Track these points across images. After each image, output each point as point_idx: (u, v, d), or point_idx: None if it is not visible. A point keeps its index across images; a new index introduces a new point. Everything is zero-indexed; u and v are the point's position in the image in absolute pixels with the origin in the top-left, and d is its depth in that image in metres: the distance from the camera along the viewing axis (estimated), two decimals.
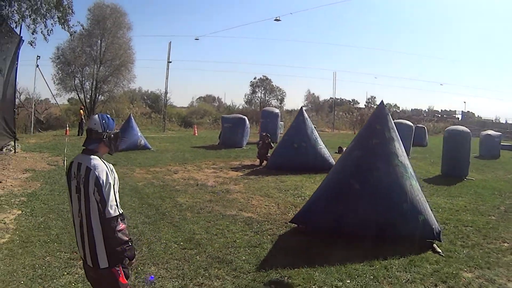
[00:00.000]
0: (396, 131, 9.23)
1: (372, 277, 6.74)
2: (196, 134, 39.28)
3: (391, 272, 6.97)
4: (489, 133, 33.13)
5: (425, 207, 8.62)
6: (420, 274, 6.98)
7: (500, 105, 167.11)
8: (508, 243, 9.16)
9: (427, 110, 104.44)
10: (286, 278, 6.58)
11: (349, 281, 6.56)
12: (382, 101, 9.60)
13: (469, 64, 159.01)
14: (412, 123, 30.86)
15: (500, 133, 35.10)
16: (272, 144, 20.12)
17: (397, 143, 8.96)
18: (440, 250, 8.16)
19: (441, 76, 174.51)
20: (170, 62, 48.64)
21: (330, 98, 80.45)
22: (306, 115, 18.68)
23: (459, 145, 18.87)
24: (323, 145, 18.50)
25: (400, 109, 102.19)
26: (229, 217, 9.96)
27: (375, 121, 9.27)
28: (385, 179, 8.55)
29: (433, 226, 8.51)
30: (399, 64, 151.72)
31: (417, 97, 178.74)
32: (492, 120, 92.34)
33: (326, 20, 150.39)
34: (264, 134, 21.04)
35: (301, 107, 19.97)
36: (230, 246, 7.97)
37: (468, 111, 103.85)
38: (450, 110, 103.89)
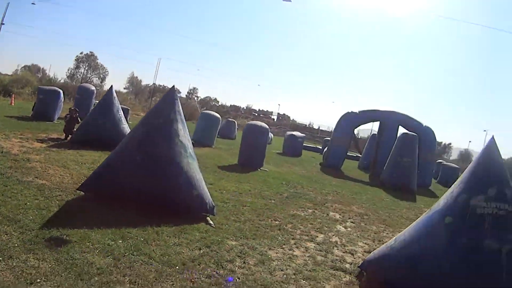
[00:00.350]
0: (182, 114, 9.83)
1: (142, 239, 7.18)
2: (13, 104, 37.52)
3: (161, 237, 7.48)
4: (293, 133, 35.77)
5: (200, 184, 9.25)
6: (188, 240, 7.59)
7: (315, 111, 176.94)
8: (278, 221, 10.24)
9: (245, 108, 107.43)
10: (65, 236, 6.98)
11: (121, 241, 6.96)
12: (173, 86, 10.18)
13: (287, 68, 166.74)
14: (227, 117, 32.23)
15: (303, 135, 38.17)
16: (79, 119, 19.95)
17: (181, 124, 9.56)
18: (212, 223, 8.87)
19: (260, 77, 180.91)
20: (3, 24, 46.29)
21: (153, 84, 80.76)
22: (115, 94, 18.56)
23: (256, 139, 20.04)
24: (127, 124, 18.72)
25: (220, 103, 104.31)
26: (25, 183, 10.05)
27: (163, 103, 9.86)
28: (164, 155, 9.06)
29: (207, 201, 9.22)
30: (222, 60, 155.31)
31: (237, 94, 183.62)
32: (306, 125, 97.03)
33: (157, 4, 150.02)
34: (72, 108, 20.45)
35: (111, 86, 19.61)
36: (21, 207, 8.02)
37: (284, 114, 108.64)
38: (267, 110, 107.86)
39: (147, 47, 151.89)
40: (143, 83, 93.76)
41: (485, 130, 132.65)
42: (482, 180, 6.57)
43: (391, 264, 7.06)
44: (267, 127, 21.25)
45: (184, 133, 9.59)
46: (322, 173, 24.50)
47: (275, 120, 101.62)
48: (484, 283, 5.87)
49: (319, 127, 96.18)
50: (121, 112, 18.36)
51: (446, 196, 6.95)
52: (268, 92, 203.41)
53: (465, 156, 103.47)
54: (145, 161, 8.96)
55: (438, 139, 37.90)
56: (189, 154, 9.42)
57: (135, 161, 8.97)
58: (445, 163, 42.61)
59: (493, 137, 7.04)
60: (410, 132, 24.92)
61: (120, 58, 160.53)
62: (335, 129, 31.87)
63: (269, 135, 45.54)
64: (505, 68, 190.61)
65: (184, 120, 9.85)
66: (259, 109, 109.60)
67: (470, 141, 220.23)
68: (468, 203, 6.37)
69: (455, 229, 6.36)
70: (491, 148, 6.90)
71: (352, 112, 30.71)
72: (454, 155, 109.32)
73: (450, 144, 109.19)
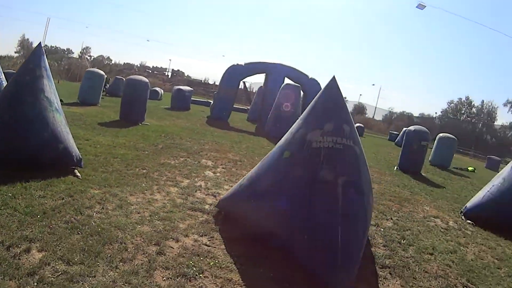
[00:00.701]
0: (49, 70, 9.75)
1: (10, 194, 7.14)
2: None
3: (28, 191, 7.47)
4: (181, 88, 36.21)
5: (66, 137, 9.21)
6: (53, 192, 7.66)
7: (209, 67, 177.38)
8: (146, 170, 10.46)
9: (139, 65, 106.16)
10: None
11: None
12: (39, 43, 10.04)
13: (178, 23, 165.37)
14: (118, 75, 31.77)
15: (191, 89, 38.71)
16: None
17: (47, 80, 9.44)
18: (79, 175, 8.95)
19: (149, 32, 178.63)
20: None
21: (45, 45, 78.05)
22: None
23: (136, 93, 19.99)
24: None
25: (113, 62, 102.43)
26: None
27: (30, 61, 9.75)
28: (30, 111, 9.04)
29: (74, 154, 9.27)
30: (112, 17, 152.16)
31: (130, 51, 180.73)
32: (201, 80, 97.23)
33: None
34: None
35: None
36: None
37: (179, 70, 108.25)
38: (161, 67, 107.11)
39: (37, 6, 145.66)
40: (35, 45, 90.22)
41: (373, 84, 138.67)
42: (320, 116, 6.99)
43: (240, 201, 7.52)
44: (147, 80, 21.07)
45: (50, 89, 9.55)
46: (207, 125, 24.93)
47: (169, 76, 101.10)
48: (321, 212, 6.25)
49: (214, 82, 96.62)
50: (2, 77, 17.79)
51: (288, 132, 7.34)
52: (160, 48, 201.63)
53: (359, 108, 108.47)
54: (13, 120, 8.86)
55: None
56: (55, 108, 9.36)
57: (4, 121, 8.87)
58: None
59: (334, 77, 7.44)
60: (292, 83, 25.55)
61: (11, 20, 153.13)
62: (220, 81, 32.28)
63: (160, 92, 45.50)
64: (393, 25, 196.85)
65: (51, 76, 9.81)
66: (153, 66, 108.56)
67: (360, 94, 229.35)
68: (305, 137, 6.76)
69: (292, 163, 6.79)
70: (331, 86, 7.33)
71: (238, 64, 31.06)
72: (349, 108, 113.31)
73: (345, 97, 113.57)
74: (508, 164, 12.50)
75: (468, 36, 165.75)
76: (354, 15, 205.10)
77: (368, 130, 74.74)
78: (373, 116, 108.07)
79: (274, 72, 30.83)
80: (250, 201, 7.22)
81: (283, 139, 7.41)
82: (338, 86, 7.37)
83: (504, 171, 12.23)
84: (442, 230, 10.20)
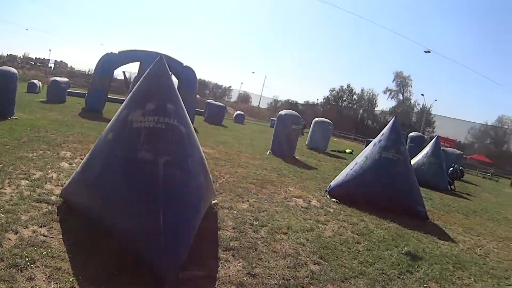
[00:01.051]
0: None
1: None
2: None
3: None
4: (56, 79, 35.32)
5: None
6: None
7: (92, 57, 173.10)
8: (1, 164, 10.24)
9: (22, 57, 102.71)
10: None
11: None
12: None
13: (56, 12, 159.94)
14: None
15: (67, 80, 37.94)
16: None
17: None
18: None
19: (29, 19, 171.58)
20: None
21: None
22: None
23: (3, 85, 18.95)
24: None
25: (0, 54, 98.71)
26: None
27: None
28: None
29: None
30: None
31: (12, 42, 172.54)
32: (85, 72, 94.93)
33: None
34: None
35: None
36: None
37: (62, 61, 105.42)
38: (44, 58, 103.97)
39: None
40: None
41: (253, 72, 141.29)
42: (142, 95, 7.29)
43: (76, 188, 7.68)
44: (15, 71, 20.03)
45: None
46: (79, 117, 24.63)
47: (52, 68, 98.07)
48: (142, 194, 6.42)
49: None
50: None
51: (115, 114, 7.58)
52: (40, 37, 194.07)
53: (243, 96, 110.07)
54: None
55: (219, 83, 40.03)
56: None
57: None
58: (212, 102, 45.05)
59: (161, 56, 7.82)
60: None
61: None
62: (94, 71, 31.75)
63: (38, 84, 44.06)
64: (269, 12, 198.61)
65: None
66: (36, 58, 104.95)
67: (242, 83, 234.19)
68: (127, 118, 7.01)
69: (115, 144, 7.04)
70: (157, 66, 7.64)
71: (111, 53, 30.74)
72: (234, 97, 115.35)
73: (230, 87, 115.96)
74: (371, 143, 13.20)
75: (349, 28, 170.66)
76: (234, 4, 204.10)
77: (252, 117, 76.20)
78: (259, 104, 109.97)
79: (148, 60, 30.26)
80: (82, 187, 7.42)
81: (110, 121, 7.62)
82: (165, 66, 7.69)
83: (367, 150, 13.00)
84: (302, 209, 10.80)
